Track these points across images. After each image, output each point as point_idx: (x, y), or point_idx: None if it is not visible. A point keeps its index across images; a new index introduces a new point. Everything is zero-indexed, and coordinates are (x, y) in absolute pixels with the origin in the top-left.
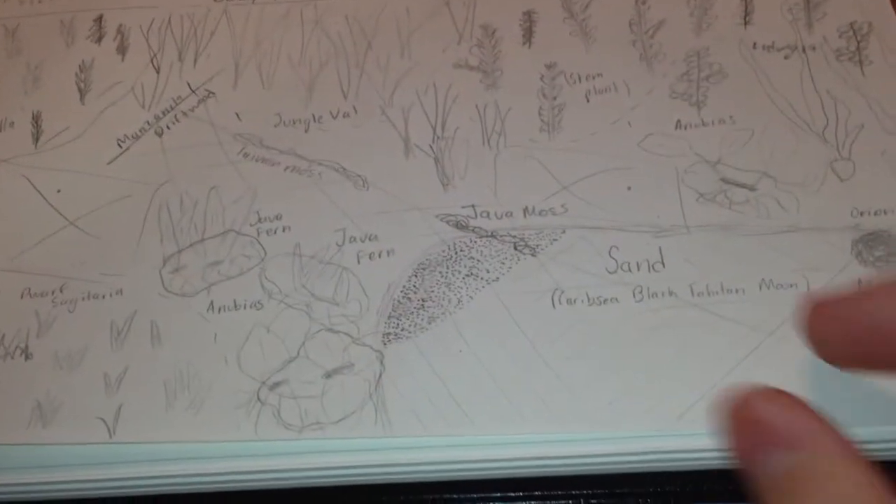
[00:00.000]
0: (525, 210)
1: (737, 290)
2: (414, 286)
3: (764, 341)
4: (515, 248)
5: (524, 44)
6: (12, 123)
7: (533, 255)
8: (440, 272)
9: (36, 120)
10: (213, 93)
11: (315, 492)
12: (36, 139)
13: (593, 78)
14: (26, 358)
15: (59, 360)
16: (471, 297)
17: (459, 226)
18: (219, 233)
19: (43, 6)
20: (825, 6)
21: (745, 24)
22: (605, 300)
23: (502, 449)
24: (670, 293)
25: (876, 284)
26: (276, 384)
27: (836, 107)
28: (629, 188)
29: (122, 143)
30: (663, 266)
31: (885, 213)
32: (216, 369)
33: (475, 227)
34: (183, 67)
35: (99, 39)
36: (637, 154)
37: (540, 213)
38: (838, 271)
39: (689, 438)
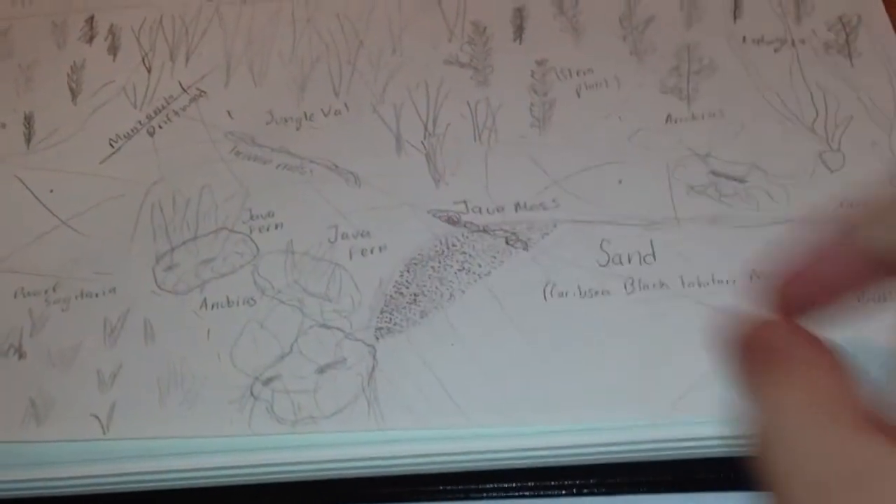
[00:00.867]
0: (516, 205)
1: (727, 281)
2: (406, 281)
3: None
4: (507, 243)
5: (515, 40)
6: (4, 124)
7: (525, 249)
8: (432, 267)
9: (28, 121)
10: (205, 92)
11: (316, 484)
12: (28, 140)
13: (584, 73)
14: (20, 357)
15: (53, 358)
16: (463, 292)
17: (451, 221)
18: (211, 231)
19: (34, 7)
20: None
21: (735, 18)
22: (597, 292)
23: (495, 441)
24: (661, 285)
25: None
26: (270, 379)
27: (825, 99)
28: (620, 182)
29: (114, 143)
30: (654, 258)
31: None
32: (209, 365)
33: (467, 223)
34: (174, 67)
35: (90, 40)
36: (628, 148)
37: (531, 208)
38: None
39: (682, 427)
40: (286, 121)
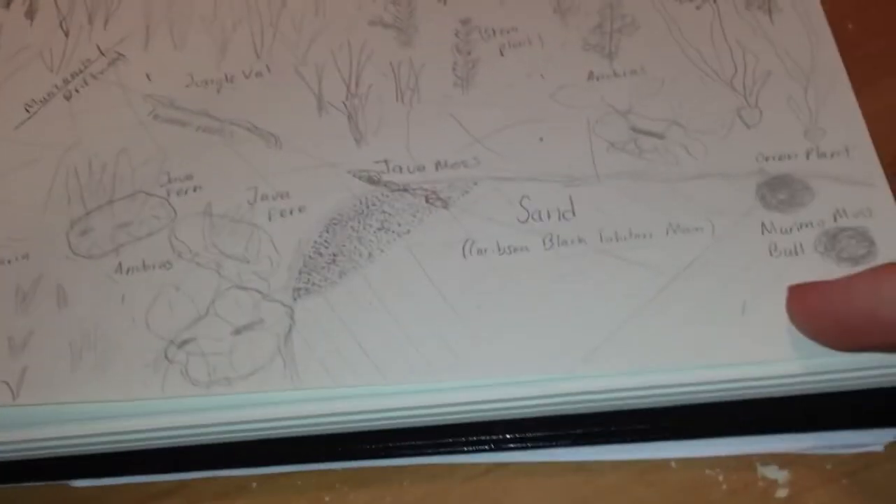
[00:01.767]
0: (437, 164)
1: (644, 235)
2: (325, 241)
3: (671, 282)
4: (427, 201)
5: (439, 0)
6: None
7: (445, 207)
8: (352, 227)
9: None
10: (124, 55)
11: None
12: None
13: (507, 32)
14: None
15: None
16: (382, 251)
17: (371, 181)
18: (128, 194)
19: None
20: None
21: None
22: (516, 249)
23: (412, 397)
24: (580, 240)
25: (855, 274)
26: (184, 342)
27: (744, 55)
28: (541, 139)
29: (29, 108)
30: (573, 214)
31: (789, 157)
32: (124, 330)
33: (387, 182)
34: (93, 30)
35: (7, 4)
36: (550, 106)
37: (452, 167)
38: (742, 215)
39: (595, 380)
40: (206, 83)
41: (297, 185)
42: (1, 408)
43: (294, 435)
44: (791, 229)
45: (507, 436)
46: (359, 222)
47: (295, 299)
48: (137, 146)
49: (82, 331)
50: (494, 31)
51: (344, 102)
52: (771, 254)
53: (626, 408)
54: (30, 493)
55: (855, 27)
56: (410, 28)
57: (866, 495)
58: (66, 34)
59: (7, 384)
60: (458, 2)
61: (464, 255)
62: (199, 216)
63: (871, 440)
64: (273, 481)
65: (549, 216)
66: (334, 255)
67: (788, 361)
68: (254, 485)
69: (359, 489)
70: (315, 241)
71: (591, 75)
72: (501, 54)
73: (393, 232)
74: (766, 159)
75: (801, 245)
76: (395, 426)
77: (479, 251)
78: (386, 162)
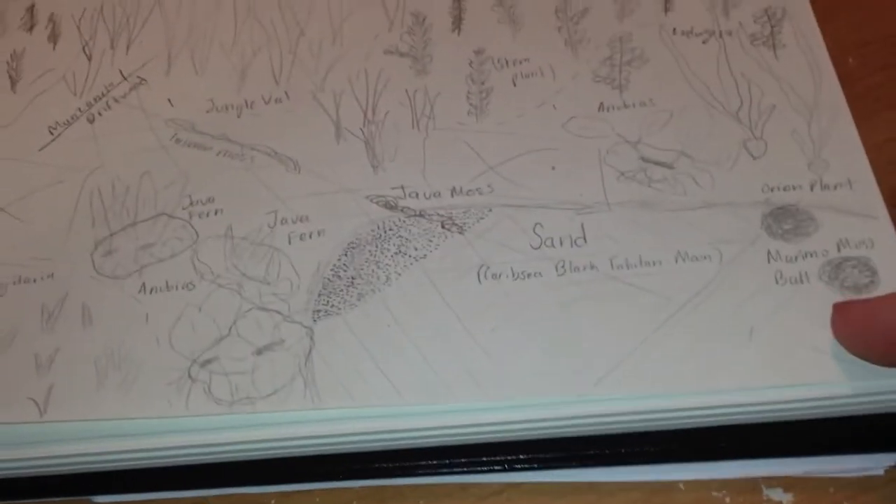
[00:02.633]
0: (452, 190)
1: (654, 263)
2: (344, 265)
3: (680, 309)
4: (443, 227)
5: (454, 31)
6: None
7: (460, 232)
8: (369, 251)
9: None
10: (145, 80)
11: (254, 464)
12: None
13: (520, 63)
14: None
15: None
16: (399, 275)
17: (388, 206)
18: (150, 216)
19: None
20: None
21: (666, 10)
22: (529, 274)
23: (429, 419)
24: (591, 267)
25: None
26: (207, 361)
27: (749, 89)
28: (553, 168)
29: (53, 131)
30: (585, 241)
31: (794, 188)
32: (147, 349)
33: (404, 207)
34: (115, 55)
35: (31, 28)
36: (561, 135)
37: (467, 193)
38: (749, 243)
39: (606, 403)
40: (227, 108)
41: (316, 209)
42: (28, 424)
43: (313, 454)
44: (796, 258)
45: (521, 456)
46: (376, 246)
47: (315, 321)
48: (160, 169)
49: (107, 349)
50: (507, 62)
51: (361, 129)
52: (777, 282)
53: (636, 430)
54: None
55: (855, 61)
56: (425, 57)
57: None
58: (89, 58)
59: (34, 401)
60: (471, 32)
61: (479, 279)
62: (220, 238)
63: (871, 464)
64: (292, 499)
65: (561, 243)
66: (352, 278)
67: (794, 387)
68: (272, 502)
69: None
70: (334, 265)
71: (601, 106)
72: (514, 84)
73: (410, 256)
74: (772, 190)
75: (805, 274)
76: (411, 446)
77: (494, 276)
78: (402, 188)
